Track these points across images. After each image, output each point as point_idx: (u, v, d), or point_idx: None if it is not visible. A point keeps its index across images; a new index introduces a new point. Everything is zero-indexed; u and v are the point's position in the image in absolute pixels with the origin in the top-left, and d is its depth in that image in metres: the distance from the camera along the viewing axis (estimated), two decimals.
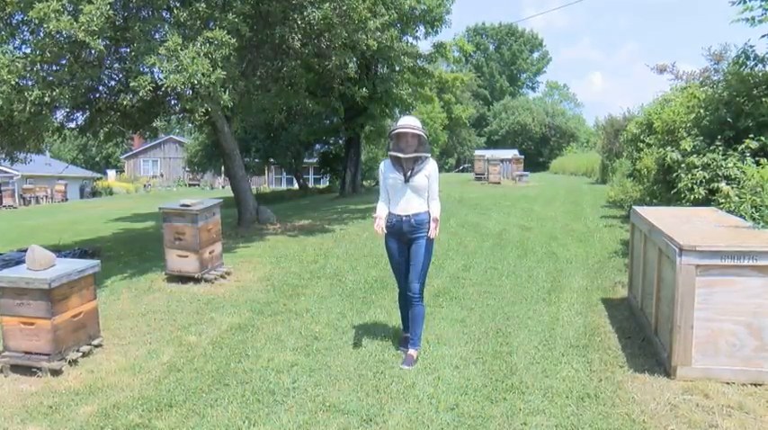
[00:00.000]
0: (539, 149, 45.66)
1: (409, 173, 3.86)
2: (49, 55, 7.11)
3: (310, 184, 29.68)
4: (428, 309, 5.11)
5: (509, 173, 21.91)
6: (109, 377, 3.90)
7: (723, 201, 5.61)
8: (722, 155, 6.29)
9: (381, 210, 3.98)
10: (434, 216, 3.86)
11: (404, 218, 3.90)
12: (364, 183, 21.18)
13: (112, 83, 9.01)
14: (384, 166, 4.01)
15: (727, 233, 3.84)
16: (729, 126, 6.54)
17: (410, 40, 14.29)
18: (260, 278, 6.61)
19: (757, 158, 5.80)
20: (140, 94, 7.22)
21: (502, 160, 21.86)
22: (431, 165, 3.93)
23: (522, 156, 24.14)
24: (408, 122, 3.89)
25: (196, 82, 7.01)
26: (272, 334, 4.66)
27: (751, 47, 6.77)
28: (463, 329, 4.62)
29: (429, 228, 3.88)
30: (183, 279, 6.42)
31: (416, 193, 3.89)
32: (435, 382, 3.61)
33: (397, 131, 3.87)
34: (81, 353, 4.23)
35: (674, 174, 6.79)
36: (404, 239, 3.96)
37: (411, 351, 3.98)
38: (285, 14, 8.81)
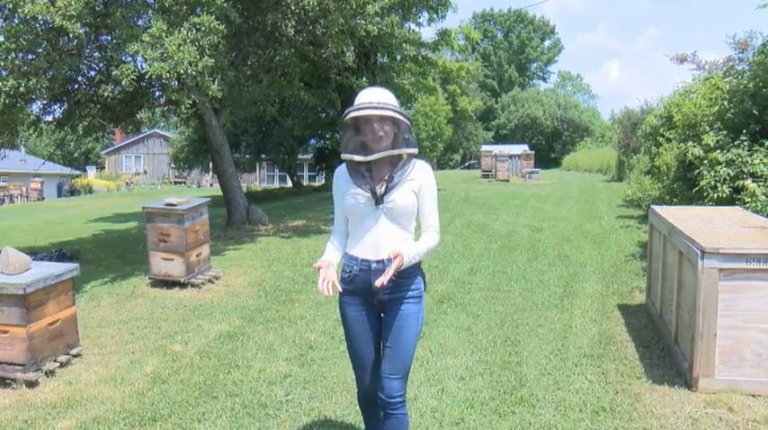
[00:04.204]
0: (550, 144, 45.66)
1: (382, 188, 2.42)
2: (24, 42, 7.13)
3: (305, 182, 29.66)
4: (431, 315, 5.12)
5: (518, 170, 21.96)
6: (88, 389, 3.90)
7: (749, 200, 5.61)
8: (748, 150, 6.28)
9: (331, 253, 2.54)
10: (393, 252, 2.33)
11: (373, 266, 2.44)
12: None
13: (92, 73, 9.02)
14: (341, 173, 2.54)
15: (754, 234, 3.84)
16: (755, 119, 6.53)
17: (412, 26, 14.30)
18: (251, 283, 6.61)
19: None
20: (123, 84, 7.23)
21: (510, 156, 21.92)
22: (420, 170, 2.47)
23: (533, 152, 24.26)
24: (374, 97, 2.41)
25: (182, 71, 7.02)
26: (263, 342, 4.66)
27: None
28: (469, 338, 4.62)
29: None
30: (168, 284, 6.42)
31: (397, 222, 2.45)
32: (439, 395, 3.61)
33: (354, 115, 2.38)
34: (59, 364, 4.22)
35: (696, 171, 6.78)
36: (374, 303, 2.51)
37: None
38: None
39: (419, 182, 2.46)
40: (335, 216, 2.61)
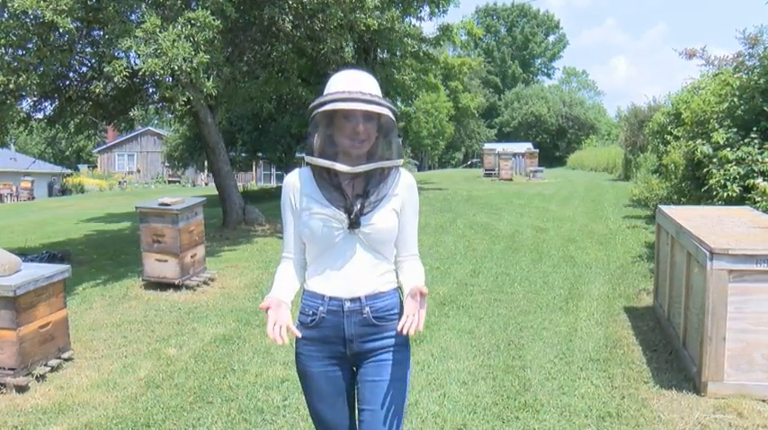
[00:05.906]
0: (555, 142, 45.72)
1: (358, 205, 1.86)
2: (14, 38, 7.14)
3: None
4: (433, 318, 5.12)
5: (522, 168, 21.98)
6: (80, 394, 3.90)
7: (759, 199, 5.62)
8: (758, 148, 6.28)
9: (282, 287, 1.98)
10: (418, 287, 1.82)
11: (347, 306, 1.90)
12: None
13: (84, 69, 9.03)
14: (297, 184, 1.95)
15: (764, 235, 3.84)
16: (766, 116, 6.54)
17: (413, 21, 14.31)
18: (247, 284, 6.61)
19: None
20: (115, 80, 7.24)
21: (514, 154, 21.97)
22: (405, 183, 1.94)
23: (537, 150, 24.28)
24: (359, 84, 1.83)
25: (176, 67, 7.02)
26: (260, 346, 4.66)
27: None
28: (471, 341, 4.62)
29: (408, 319, 1.78)
30: (162, 285, 6.42)
31: (375, 251, 1.91)
32: (441, 400, 3.61)
33: (335, 107, 1.78)
34: (49, 368, 4.22)
35: (705, 170, 6.78)
36: (345, 355, 1.95)
37: None
38: None
39: (402, 199, 1.92)
40: (286, 240, 2.03)
